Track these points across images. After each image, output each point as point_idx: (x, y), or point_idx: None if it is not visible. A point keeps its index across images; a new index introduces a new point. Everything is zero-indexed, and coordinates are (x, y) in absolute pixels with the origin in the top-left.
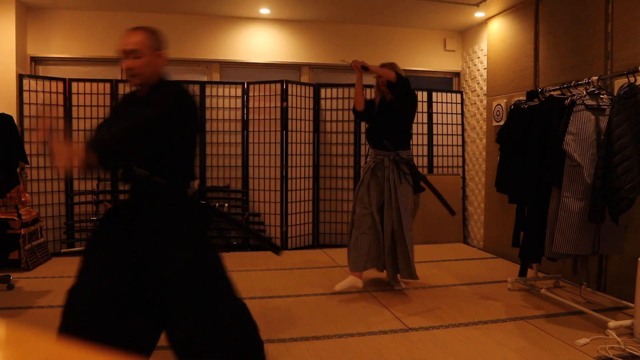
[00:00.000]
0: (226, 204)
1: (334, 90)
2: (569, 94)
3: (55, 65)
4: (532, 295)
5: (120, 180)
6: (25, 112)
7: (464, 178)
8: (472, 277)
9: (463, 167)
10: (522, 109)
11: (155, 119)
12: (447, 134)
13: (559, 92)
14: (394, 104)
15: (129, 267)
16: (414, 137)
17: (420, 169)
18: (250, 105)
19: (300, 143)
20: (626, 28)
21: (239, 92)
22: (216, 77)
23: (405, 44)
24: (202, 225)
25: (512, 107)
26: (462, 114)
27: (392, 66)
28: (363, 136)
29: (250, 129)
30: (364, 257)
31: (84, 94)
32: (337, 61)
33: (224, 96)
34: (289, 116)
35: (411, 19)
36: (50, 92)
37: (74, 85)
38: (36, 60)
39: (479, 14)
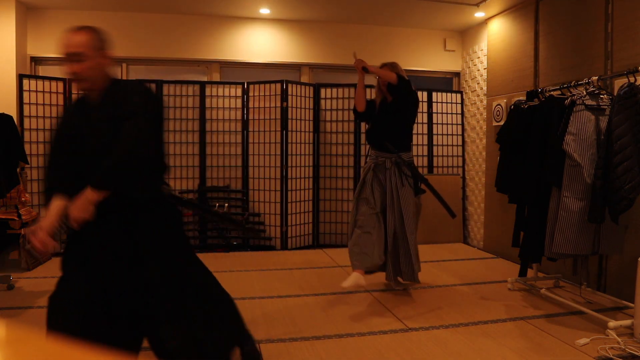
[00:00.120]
0: (226, 204)
1: (334, 90)
2: (569, 94)
3: (55, 65)
4: (532, 295)
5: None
6: (25, 112)
7: (464, 178)
8: (472, 277)
9: (463, 167)
10: (522, 109)
11: (148, 129)
12: (447, 134)
13: (559, 92)
14: (395, 105)
15: (106, 274)
16: (414, 137)
17: (420, 169)
18: (250, 105)
19: (300, 143)
20: (626, 28)
21: (239, 92)
22: (216, 77)
23: (405, 44)
24: (175, 224)
25: (512, 107)
26: (462, 114)
27: (393, 66)
28: (363, 136)
29: (250, 129)
30: (367, 255)
31: None
32: (337, 61)
33: (224, 96)
34: (289, 116)
35: (411, 19)
36: (50, 92)
37: (74, 85)
38: (36, 60)
39: (479, 14)
